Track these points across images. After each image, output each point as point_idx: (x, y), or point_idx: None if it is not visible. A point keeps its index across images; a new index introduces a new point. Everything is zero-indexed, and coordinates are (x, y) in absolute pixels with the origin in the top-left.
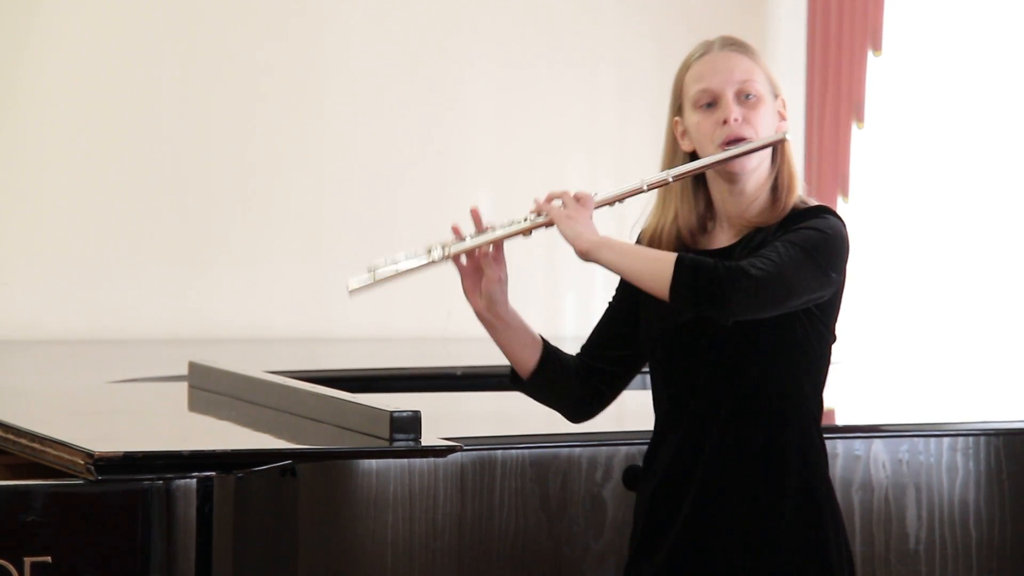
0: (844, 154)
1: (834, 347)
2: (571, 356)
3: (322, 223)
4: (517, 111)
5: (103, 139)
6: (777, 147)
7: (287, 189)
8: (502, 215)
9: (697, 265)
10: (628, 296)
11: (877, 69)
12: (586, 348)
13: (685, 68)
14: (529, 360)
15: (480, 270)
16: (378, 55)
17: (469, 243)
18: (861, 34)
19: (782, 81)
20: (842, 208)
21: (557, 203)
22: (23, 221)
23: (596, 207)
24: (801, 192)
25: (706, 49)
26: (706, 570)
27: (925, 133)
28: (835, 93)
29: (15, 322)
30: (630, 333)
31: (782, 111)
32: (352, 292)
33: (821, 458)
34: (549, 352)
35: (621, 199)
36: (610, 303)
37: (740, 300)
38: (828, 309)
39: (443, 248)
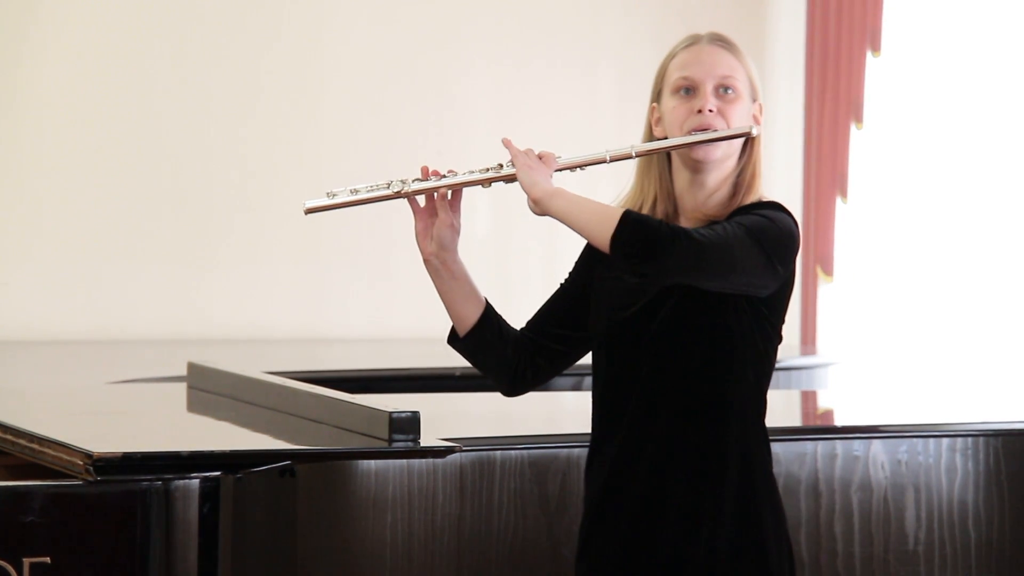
0: (843, 154)
1: (834, 348)
2: (513, 328)
3: (322, 223)
4: (516, 111)
5: (102, 139)
6: (747, 145)
7: (286, 189)
8: (497, 212)
9: (642, 221)
10: (581, 281)
11: (876, 70)
12: (531, 322)
13: (670, 57)
14: (470, 316)
15: (435, 213)
16: (377, 55)
17: (430, 183)
18: (860, 35)
19: (782, 82)
20: (841, 208)
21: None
22: (23, 221)
23: (558, 169)
24: (763, 192)
25: (693, 41)
26: (653, 563)
27: (924, 134)
28: (834, 94)
29: (15, 322)
30: (576, 315)
31: (758, 116)
32: (308, 211)
33: (764, 456)
34: (490, 314)
35: (583, 166)
36: (562, 284)
37: (679, 260)
38: (776, 308)
39: (403, 183)
